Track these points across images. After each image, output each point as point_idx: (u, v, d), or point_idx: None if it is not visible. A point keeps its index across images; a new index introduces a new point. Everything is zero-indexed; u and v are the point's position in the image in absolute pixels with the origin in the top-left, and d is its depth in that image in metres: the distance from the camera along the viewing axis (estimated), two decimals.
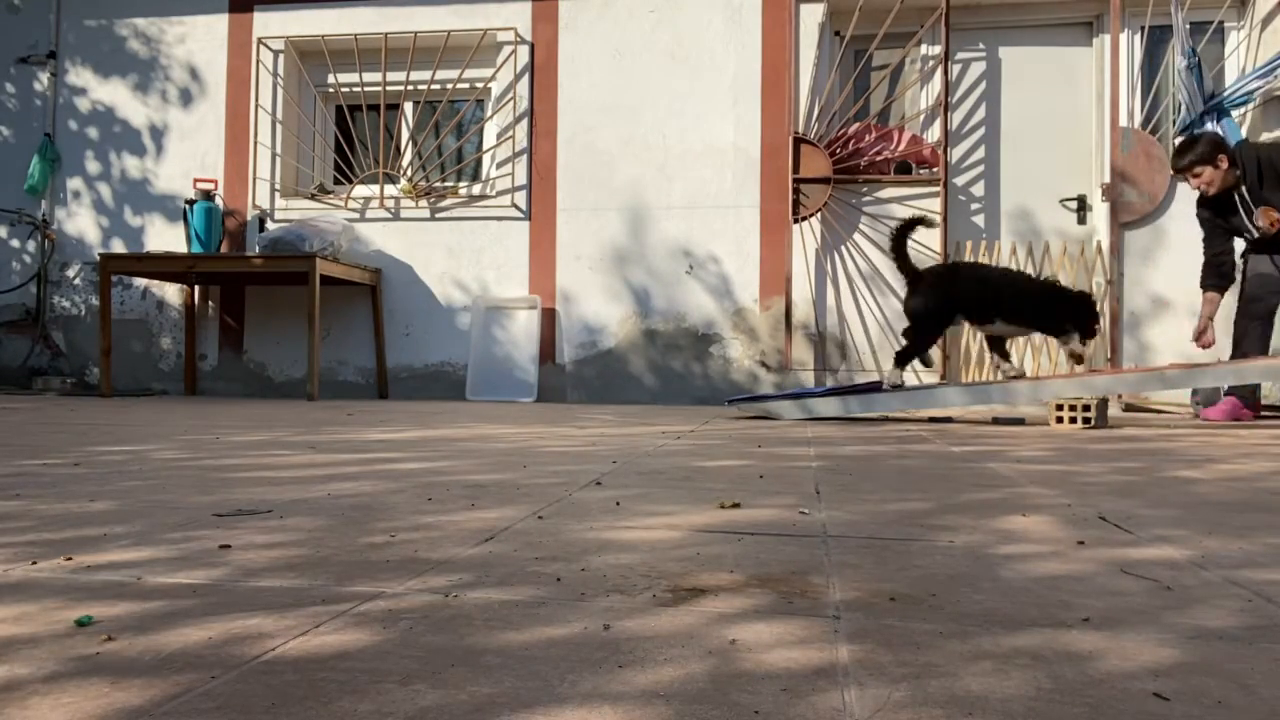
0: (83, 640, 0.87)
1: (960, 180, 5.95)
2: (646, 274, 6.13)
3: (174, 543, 1.33)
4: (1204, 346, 4.58)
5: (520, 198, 6.30)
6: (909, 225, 4.42)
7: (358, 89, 6.58)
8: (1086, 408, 4.01)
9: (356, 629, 0.92)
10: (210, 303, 6.64)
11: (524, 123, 6.31)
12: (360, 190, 6.53)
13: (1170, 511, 1.70)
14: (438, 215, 6.39)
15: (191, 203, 6.21)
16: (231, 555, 1.26)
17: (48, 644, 0.86)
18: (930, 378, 5.82)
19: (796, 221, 5.90)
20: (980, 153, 5.95)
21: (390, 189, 6.47)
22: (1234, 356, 4.51)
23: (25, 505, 1.66)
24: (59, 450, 2.64)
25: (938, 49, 5.87)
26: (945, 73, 5.77)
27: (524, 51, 6.30)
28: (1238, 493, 1.96)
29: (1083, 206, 5.90)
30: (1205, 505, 1.78)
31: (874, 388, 4.44)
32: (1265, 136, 5.59)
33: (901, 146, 5.86)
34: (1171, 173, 5.55)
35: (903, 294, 5.85)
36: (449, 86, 6.43)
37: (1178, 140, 5.56)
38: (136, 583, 1.10)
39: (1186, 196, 5.63)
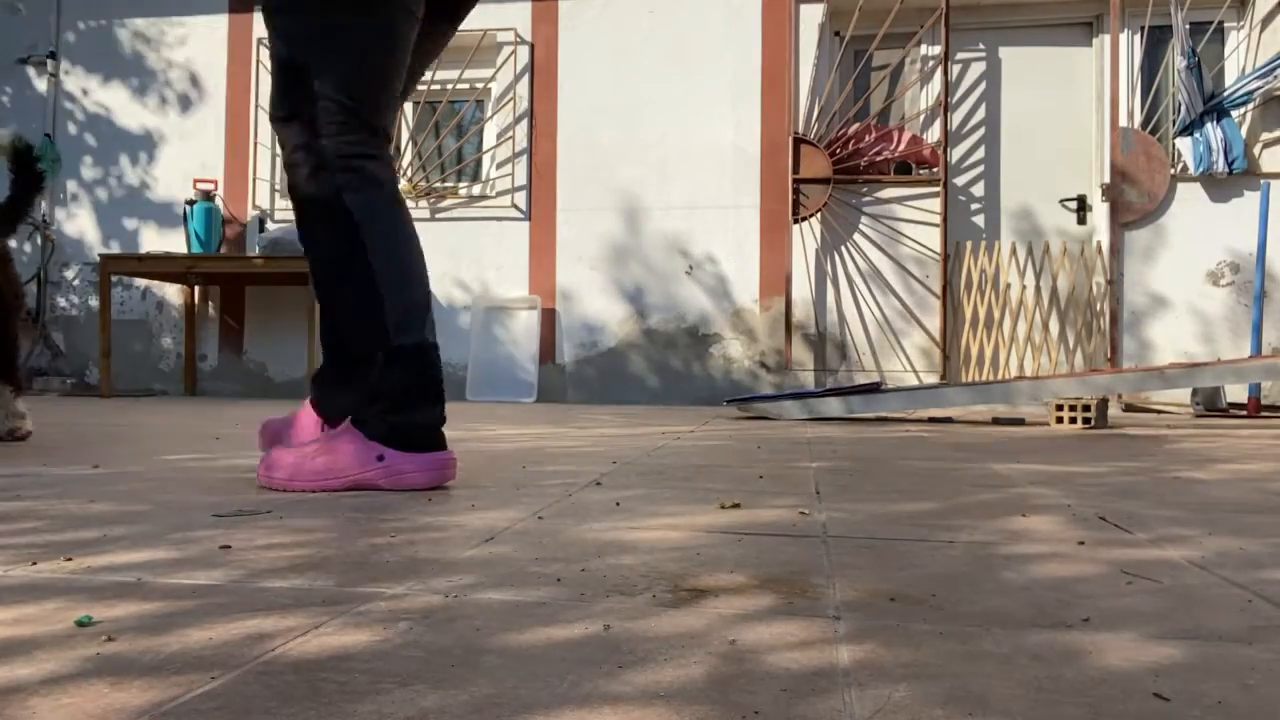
0: (82, 641, 0.87)
1: (960, 180, 5.95)
2: (646, 274, 6.13)
3: (174, 543, 1.33)
4: None
5: (520, 198, 6.30)
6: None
7: None
8: (1087, 408, 4.01)
9: (356, 630, 0.92)
10: (210, 303, 6.64)
11: (524, 123, 6.31)
12: None
13: (1171, 511, 1.70)
14: (438, 216, 6.39)
15: (191, 203, 6.21)
16: (231, 556, 1.26)
17: (47, 645, 0.86)
18: (931, 378, 5.82)
19: (796, 222, 5.90)
20: (980, 153, 5.95)
21: None
22: None
23: (25, 506, 1.66)
24: (59, 451, 2.64)
25: (938, 49, 5.87)
26: (945, 73, 5.77)
27: (524, 52, 6.30)
28: (1239, 493, 1.96)
29: (1083, 206, 5.90)
30: (1206, 505, 1.78)
31: (873, 388, 4.44)
32: (1265, 136, 5.59)
33: (901, 146, 5.86)
34: (1171, 173, 5.56)
35: (902, 294, 5.86)
36: (449, 87, 6.43)
37: None
38: (136, 583, 1.10)
39: (1186, 196, 5.64)
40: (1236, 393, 5.32)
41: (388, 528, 1.47)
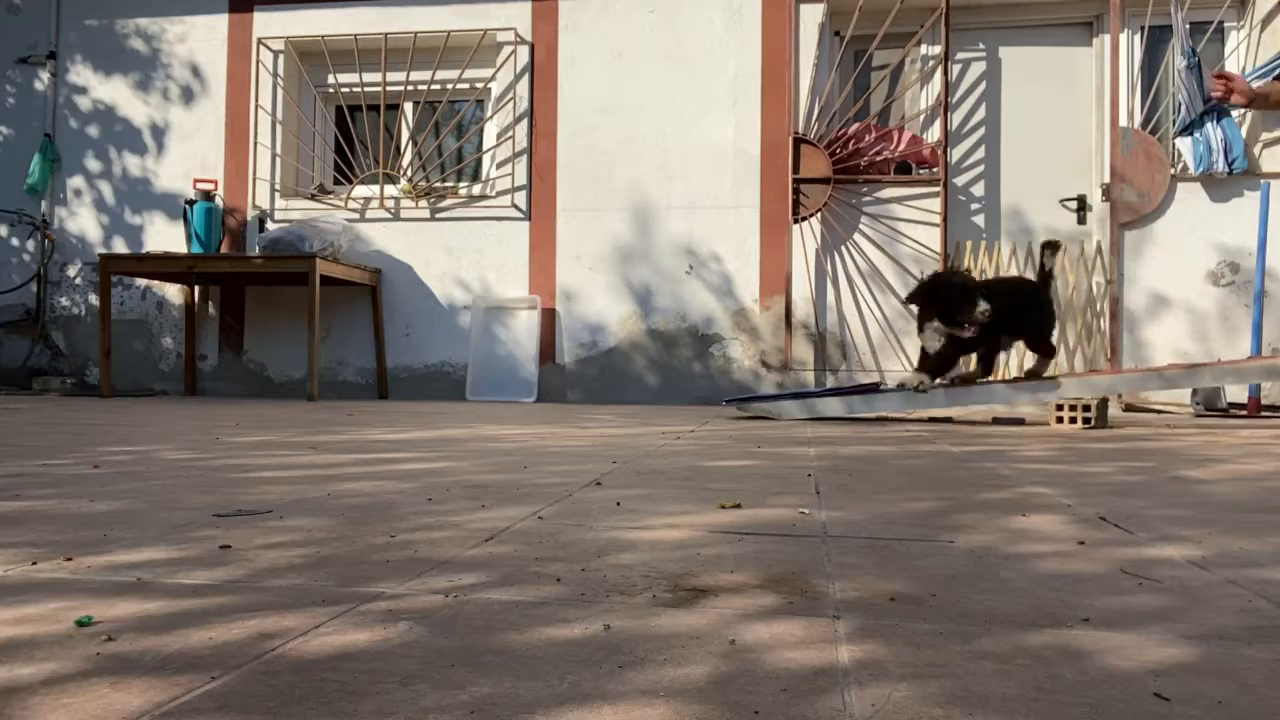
0: (83, 641, 0.87)
1: (960, 180, 5.95)
2: (647, 274, 6.13)
3: (174, 543, 1.33)
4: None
5: (520, 198, 6.30)
6: None
7: (358, 89, 6.58)
8: (1087, 408, 4.01)
9: (356, 629, 0.92)
10: (210, 303, 6.64)
11: (524, 123, 6.31)
12: (360, 190, 6.53)
13: (1171, 511, 1.70)
14: (438, 215, 6.39)
15: (191, 203, 6.21)
16: (232, 556, 1.26)
17: (47, 645, 0.86)
18: None
19: (796, 221, 5.90)
20: (980, 153, 5.95)
21: (390, 189, 6.47)
22: None
23: (26, 506, 1.66)
24: (59, 451, 2.64)
25: (938, 49, 5.86)
26: (945, 73, 5.77)
27: (524, 52, 6.30)
28: (1239, 492, 1.96)
29: (1082, 206, 5.90)
30: (1206, 505, 1.78)
31: (873, 388, 4.44)
32: (1265, 136, 5.59)
33: (901, 146, 5.86)
34: (1170, 173, 5.57)
35: (902, 293, 5.86)
36: (449, 87, 6.43)
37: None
38: (136, 583, 1.10)
39: (1185, 197, 5.64)
40: (1236, 393, 5.32)
41: (388, 528, 1.47)
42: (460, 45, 6.32)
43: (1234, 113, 5.54)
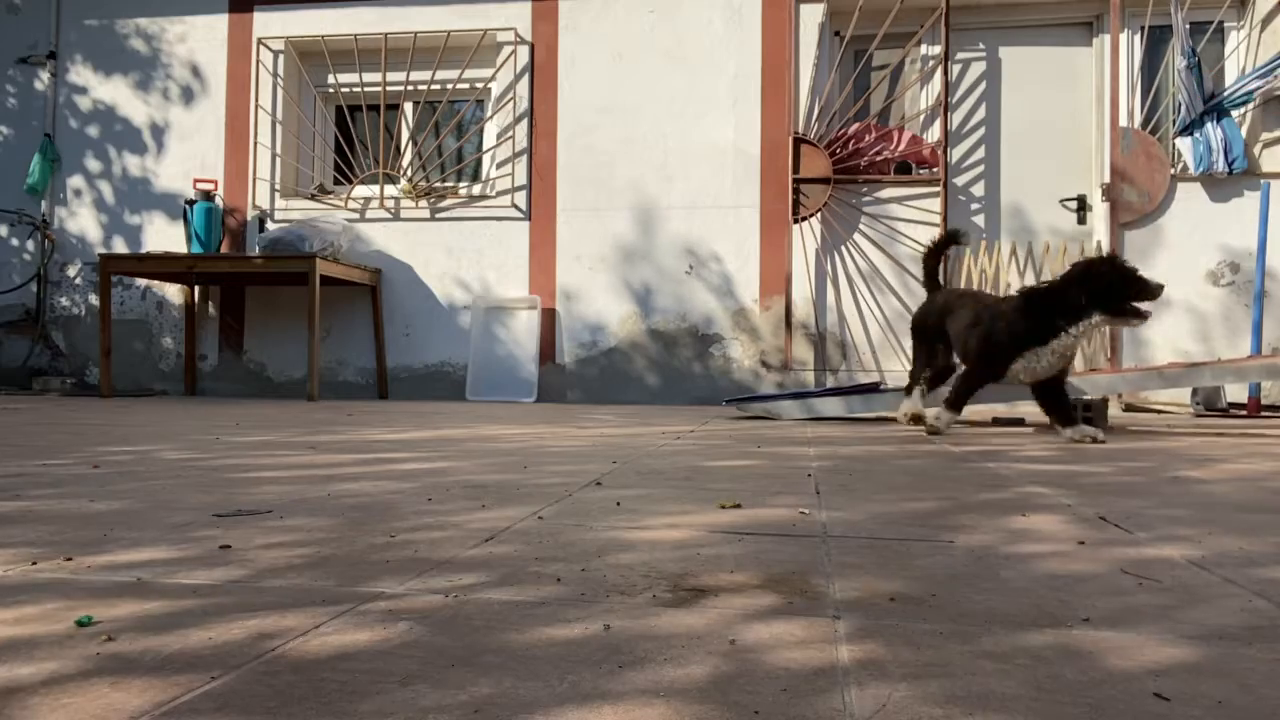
0: (83, 641, 0.87)
1: (960, 180, 5.95)
2: (647, 274, 6.13)
3: (174, 543, 1.33)
4: None
5: (520, 198, 6.30)
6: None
7: (358, 89, 6.58)
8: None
9: (356, 629, 0.92)
10: (210, 303, 6.64)
11: (524, 123, 6.31)
12: (360, 190, 6.53)
13: (1170, 511, 1.70)
14: (438, 215, 6.39)
15: (191, 203, 6.21)
16: (232, 556, 1.26)
17: (47, 645, 0.86)
18: None
19: (796, 221, 5.90)
20: (980, 153, 5.95)
21: (390, 189, 6.47)
22: None
23: (26, 506, 1.66)
24: (59, 451, 2.64)
25: (938, 49, 5.86)
26: (945, 73, 5.76)
27: (524, 52, 6.30)
28: (1238, 492, 1.96)
29: (1082, 206, 5.90)
30: (1206, 505, 1.78)
31: (873, 388, 4.43)
32: (1265, 136, 5.59)
33: (901, 146, 5.86)
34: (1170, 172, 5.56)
35: (902, 293, 5.86)
36: (449, 87, 6.43)
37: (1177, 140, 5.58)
38: (136, 583, 1.10)
39: (1185, 197, 5.64)
40: (1236, 392, 5.32)
41: (387, 528, 1.47)
42: (460, 45, 6.32)
43: (1234, 112, 5.54)
